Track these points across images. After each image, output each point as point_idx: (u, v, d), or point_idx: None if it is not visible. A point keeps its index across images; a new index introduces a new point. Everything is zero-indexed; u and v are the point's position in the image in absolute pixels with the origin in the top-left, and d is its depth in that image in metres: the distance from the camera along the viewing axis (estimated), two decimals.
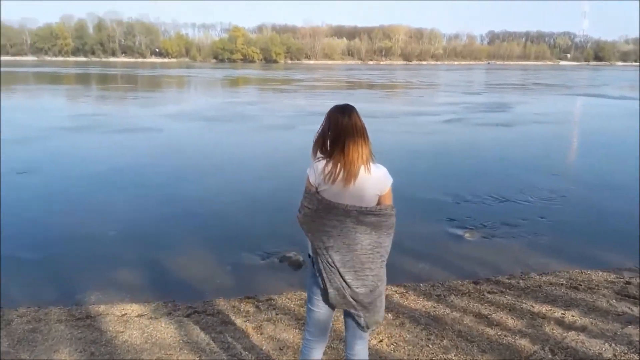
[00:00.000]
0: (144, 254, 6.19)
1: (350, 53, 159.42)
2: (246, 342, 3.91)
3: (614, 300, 4.70)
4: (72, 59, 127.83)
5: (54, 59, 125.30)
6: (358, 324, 2.74)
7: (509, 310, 4.50)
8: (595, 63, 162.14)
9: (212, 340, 3.94)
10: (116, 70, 72.35)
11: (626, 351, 3.71)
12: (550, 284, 5.22)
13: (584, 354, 3.67)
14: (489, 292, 4.97)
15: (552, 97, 33.09)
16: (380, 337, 3.94)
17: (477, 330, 4.09)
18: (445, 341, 3.89)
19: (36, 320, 4.33)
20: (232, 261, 5.94)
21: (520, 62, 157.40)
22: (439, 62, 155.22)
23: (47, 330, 4.11)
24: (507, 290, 5.04)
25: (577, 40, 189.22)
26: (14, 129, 15.45)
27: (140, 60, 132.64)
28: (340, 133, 2.56)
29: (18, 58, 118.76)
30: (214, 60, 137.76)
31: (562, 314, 4.40)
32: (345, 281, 2.62)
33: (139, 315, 4.44)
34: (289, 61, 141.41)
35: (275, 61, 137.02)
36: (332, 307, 2.74)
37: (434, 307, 4.58)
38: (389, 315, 4.31)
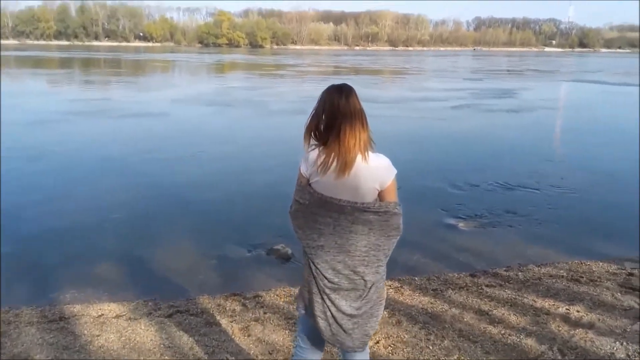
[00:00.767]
0: (124, 247, 5.87)
1: (336, 38, 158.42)
2: (232, 346, 3.63)
3: (619, 294, 4.48)
4: (54, 42, 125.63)
5: (35, 42, 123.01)
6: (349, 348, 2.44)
7: (511, 305, 4.26)
8: (579, 50, 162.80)
9: (196, 344, 3.65)
10: (102, 54, 71.23)
11: None
12: (551, 276, 4.99)
13: (595, 354, 3.43)
14: (487, 286, 4.73)
15: (553, 84, 33.22)
16: (377, 338, 3.67)
17: (479, 328, 3.84)
18: (446, 341, 3.63)
19: (5, 322, 4.01)
20: (217, 254, 5.64)
21: (506, 49, 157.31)
22: (425, 48, 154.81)
23: (16, 335, 3.78)
24: (506, 283, 4.81)
25: (562, 27, 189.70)
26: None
27: (123, 44, 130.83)
28: (336, 116, 2.23)
29: None
30: (199, 45, 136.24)
31: (566, 309, 4.16)
32: (326, 300, 2.35)
33: (117, 316, 4.14)
34: (275, 46, 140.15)
35: (261, 46, 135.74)
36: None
37: (432, 303, 4.32)
38: (385, 313, 4.04)
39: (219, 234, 6.28)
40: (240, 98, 20.99)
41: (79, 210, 7.06)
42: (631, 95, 24.65)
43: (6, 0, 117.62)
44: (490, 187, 8.37)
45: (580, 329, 3.80)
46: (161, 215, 6.98)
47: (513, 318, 4.01)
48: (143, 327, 3.91)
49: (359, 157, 2.24)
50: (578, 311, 4.12)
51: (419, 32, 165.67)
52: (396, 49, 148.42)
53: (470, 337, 3.70)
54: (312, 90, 21.36)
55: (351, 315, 2.35)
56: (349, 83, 2.33)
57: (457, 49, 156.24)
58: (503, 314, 4.08)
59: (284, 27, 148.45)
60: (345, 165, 2.22)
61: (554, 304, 4.27)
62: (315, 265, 2.34)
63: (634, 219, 6.87)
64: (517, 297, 4.43)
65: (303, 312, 2.48)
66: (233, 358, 3.48)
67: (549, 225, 6.77)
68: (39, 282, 4.98)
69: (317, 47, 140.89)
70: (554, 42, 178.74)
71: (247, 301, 4.41)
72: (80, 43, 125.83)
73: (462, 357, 3.44)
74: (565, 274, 5.03)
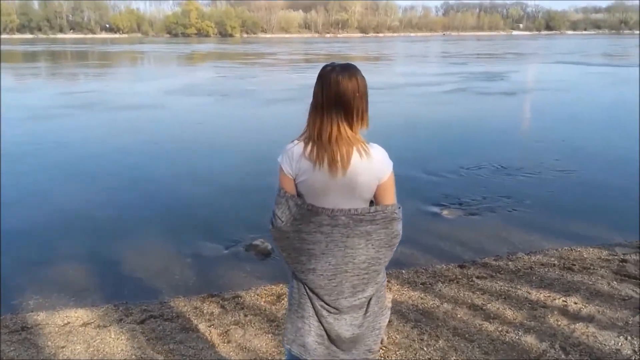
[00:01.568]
0: (93, 247, 5.50)
1: (307, 26, 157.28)
2: (211, 354, 3.34)
3: (615, 282, 4.29)
4: (17, 36, 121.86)
5: None
6: None
7: (505, 298, 4.05)
8: (546, 32, 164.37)
9: (171, 353, 3.35)
10: (72, 47, 69.07)
11: None
12: (542, 264, 4.80)
13: (600, 351, 3.23)
14: (477, 278, 4.52)
15: (537, 66, 33.33)
16: None
17: (474, 325, 3.61)
18: (441, 341, 3.40)
19: None
20: (192, 252, 5.31)
21: (474, 33, 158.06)
22: (395, 34, 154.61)
23: None
24: (497, 274, 4.59)
25: (528, 10, 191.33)
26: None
27: (89, 36, 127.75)
28: (336, 101, 1.89)
29: None
30: (167, 35, 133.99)
31: (563, 301, 3.96)
32: (324, 324, 2.04)
33: (85, 324, 3.80)
34: (245, 35, 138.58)
35: (230, 35, 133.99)
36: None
37: (422, 299, 4.09)
38: None
39: (194, 230, 5.94)
40: (233, 88, 20.42)
41: (43, 209, 6.66)
42: (615, 76, 24.73)
43: None
44: (476, 172, 8.18)
45: (580, 323, 3.60)
46: (133, 212, 6.62)
47: (509, 312, 3.80)
48: (113, 336, 3.59)
49: (357, 151, 1.92)
50: (575, 303, 3.93)
51: (388, 18, 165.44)
52: (367, 35, 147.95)
53: (466, 335, 3.47)
54: (309, 78, 21.07)
55: (352, 338, 2.06)
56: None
57: (427, 34, 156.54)
58: (498, 309, 3.86)
59: (254, 16, 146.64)
60: (341, 160, 1.90)
61: (549, 296, 4.07)
62: (309, 290, 2.04)
63: (623, 201, 6.76)
64: (511, 288, 4.22)
65: (295, 352, 2.08)
66: None
67: (534, 209, 6.59)
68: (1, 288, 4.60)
69: (287, 36, 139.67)
70: (521, 25, 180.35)
71: (226, 302, 4.12)
72: (44, 36, 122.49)
73: (460, 359, 3.21)
74: (556, 262, 4.84)
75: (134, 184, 7.73)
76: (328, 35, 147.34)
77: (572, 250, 5.19)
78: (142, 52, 56.15)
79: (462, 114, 14.08)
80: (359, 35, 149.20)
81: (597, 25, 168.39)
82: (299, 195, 2.01)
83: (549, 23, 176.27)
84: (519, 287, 4.26)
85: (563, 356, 3.19)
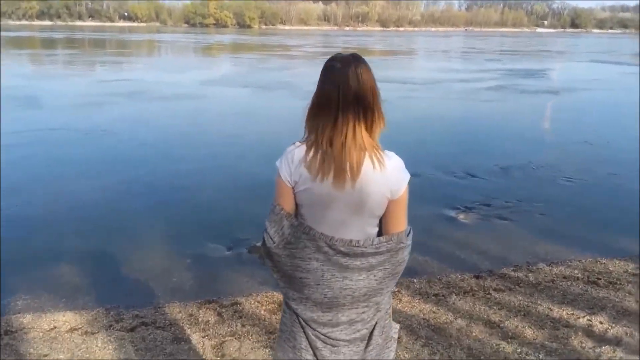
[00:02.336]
0: (90, 246, 5.25)
1: (326, 18, 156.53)
2: None
3: None
4: (37, 23, 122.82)
5: (17, 23, 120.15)
6: None
7: (524, 315, 3.74)
8: (571, 30, 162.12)
9: None
10: (95, 34, 69.15)
11: None
12: (564, 277, 4.47)
13: None
14: (495, 290, 4.21)
15: (574, 64, 32.78)
16: None
17: (490, 346, 3.31)
18: None
19: None
20: (193, 253, 5.03)
21: (497, 29, 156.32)
22: (416, 29, 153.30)
23: None
24: (516, 287, 4.28)
25: (554, 6, 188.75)
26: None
27: (108, 24, 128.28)
28: (357, 99, 1.59)
29: None
30: (186, 25, 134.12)
31: (588, 320, 3.64)
32: (319, 357, 1.77)
33: (71, 330, 3.56)
34: (264, 26, 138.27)
35: (249, 26, 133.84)
36: None
37: (434, 313, 3.79)
38: None
39: (196, 229, 5.67)
40: (270, 80, 20.03)
41: (41, 204, 6.45)
42: None
43: None
44: (509, 173, 7.92)
45: (607, 346, 3.28)
46: (133, 210, 6.36)
47: (529, 332, 3.49)
48: (99, 344, 3.35)
49: (368, 159, 1.62)
50: (601, 322, 3.61)
51: (410, 12, 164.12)
52: (387, 29, 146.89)
53: (482, 357, 3.18)
54: None
55: None
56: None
57: (448, 29, 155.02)
58: (517, 327, 3.55)
59: (273, 7, 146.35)
60: (350, 170, 1.60)
61: (572, 313, 3.75)
62: (302, 320, 1.77)
63: None
64: (530, 303, 3.91)
65: None
66: None
67: (559, 216, 6.25)
68: None
69: (306, 28, 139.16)
70: (545, 22, 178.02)
71: (224, 310, 3.85)
72: (63, 23, 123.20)
73: None
74: (580, 274, 4.51)
75: (136, 182, 7.50)
76: (347, 28, 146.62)
77: (597, 262, 4.86)
78: (165, 41, 56.07)
79: (507, 111, 13.81)
80: (379, 28, 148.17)
81: (624, 25, 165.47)
82: (298, 205, 1.72)
83: (575, 20, 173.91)
84: (539, 302, 3.94)
85: None
